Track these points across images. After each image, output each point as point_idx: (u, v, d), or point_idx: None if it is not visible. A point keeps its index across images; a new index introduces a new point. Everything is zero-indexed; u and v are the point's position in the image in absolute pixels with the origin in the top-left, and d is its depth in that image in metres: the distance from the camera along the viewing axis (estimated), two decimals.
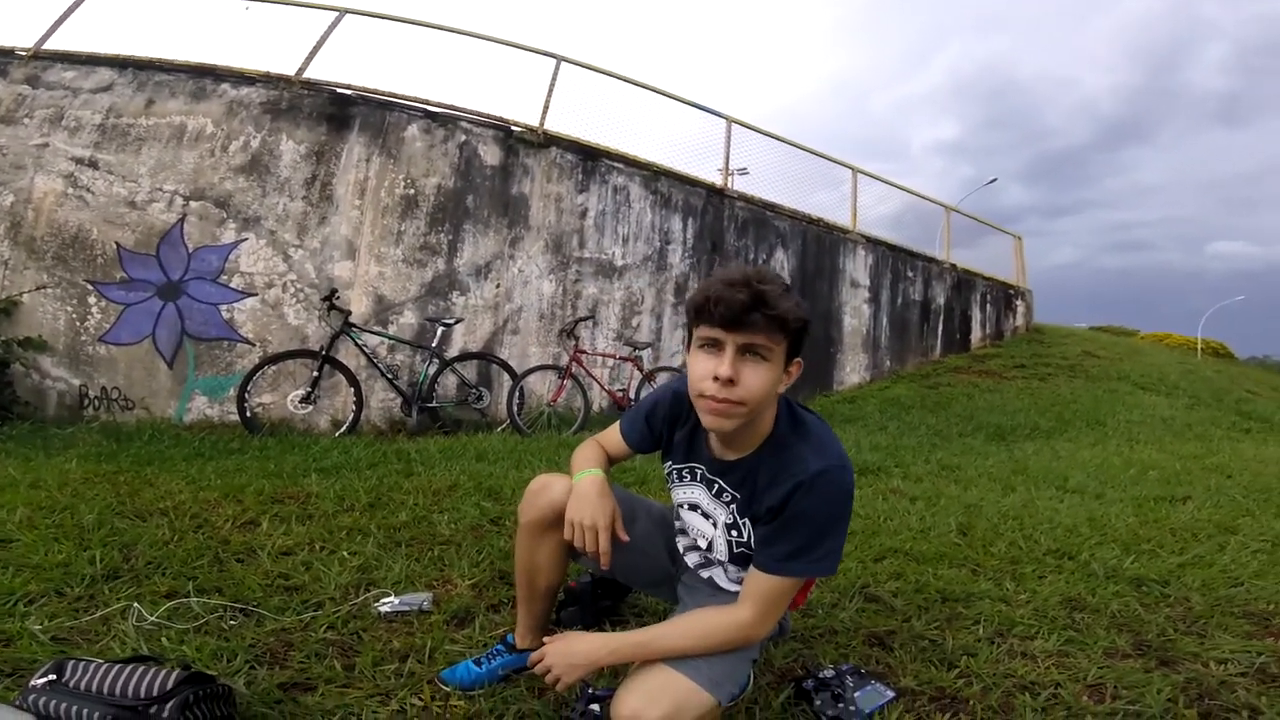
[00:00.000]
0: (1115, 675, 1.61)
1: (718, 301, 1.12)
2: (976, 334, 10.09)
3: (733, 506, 1.33)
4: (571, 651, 1.22)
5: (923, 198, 10.35)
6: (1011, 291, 10.78)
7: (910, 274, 9.29)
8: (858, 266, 8.69)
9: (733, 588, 1.40)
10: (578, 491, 1.36)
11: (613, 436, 1.52)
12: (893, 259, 9.09)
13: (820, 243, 8.37)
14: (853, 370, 8.51)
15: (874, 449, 4.94)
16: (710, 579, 1.45)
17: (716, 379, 1.14)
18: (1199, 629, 1.91)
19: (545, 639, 1.28)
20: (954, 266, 9.89)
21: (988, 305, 10.33)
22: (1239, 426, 7.24)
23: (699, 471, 1.38)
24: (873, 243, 8.89)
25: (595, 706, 1.33)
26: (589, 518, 1.31)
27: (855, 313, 8.59)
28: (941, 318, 9.62)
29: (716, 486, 1.35)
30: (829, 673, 1.54)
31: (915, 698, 1.52)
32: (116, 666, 1.24)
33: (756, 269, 1.17)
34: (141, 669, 1.24)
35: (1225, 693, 1.55)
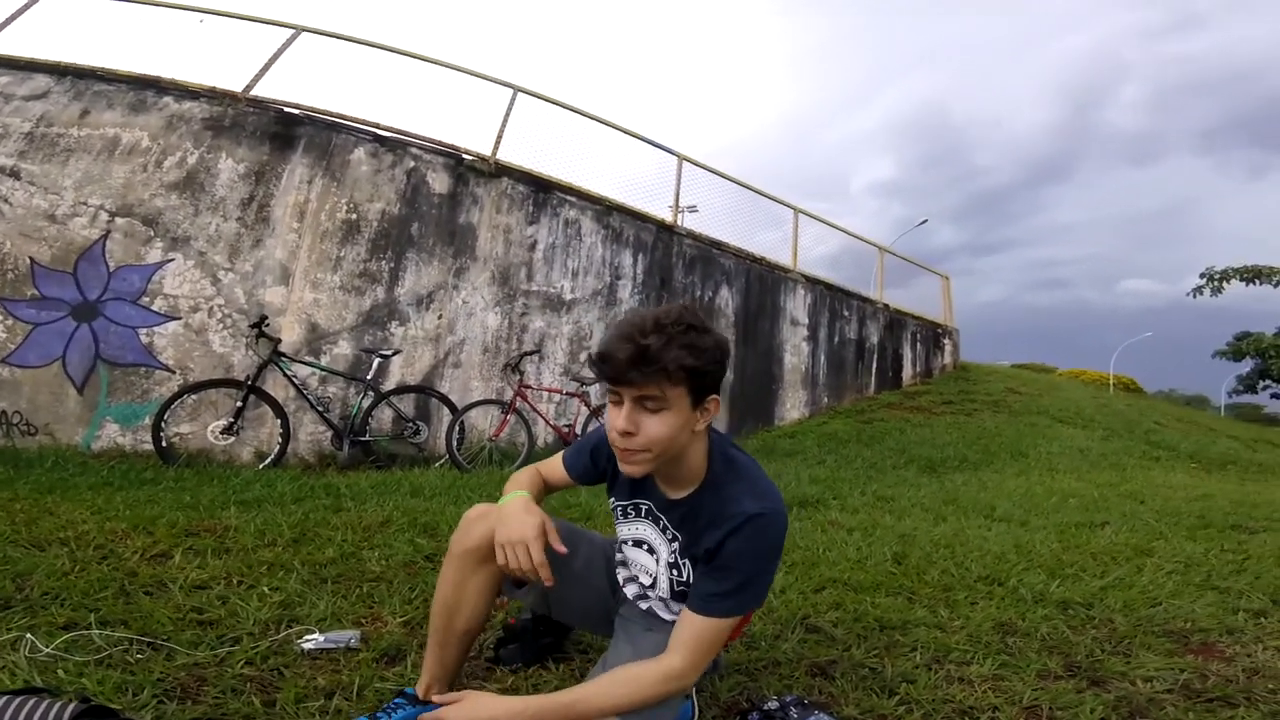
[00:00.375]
0: (1049, 697, 1.66)
1: (604, 359, 1.15)
2: (908, 371, 10.48)
3: (675, 545, 1.33)
4: (478, 718, 1.15)
5: (859, 238, 10.81)
6: (940, 330, 11.28)
7: (846, 313, 9.62)
8: (798, 305, 8.94)
9: (672, 618, 1.38)
10: (502, 514, 1.31)
11: (554, 465, 1.51)
12: (830, 298, 9.41)
13: (763, 281, 8.59)
14: (793, 406, 8.68)
15: (813, 482, 5.02)
16: (650, 610, 1.43)
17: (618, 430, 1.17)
18: (1124, 649, 1.98)
19: (437, 698, 1.21)
20: (887, 306, 10.30)
21: (918, 344, 10.77)
22: (1149, 455, 7.72)
23: (645, 508, 1.38)
24: (812, 282, 9.18)
25: None
26: (517, 533, 1.26)
27: (795, 350, 8.80)
28: (875, 356, 9.97)
29: (662, 523, 1.35)
30: (773, 704, 1.52)
31: None
32: (4, 698, 1.13)
33: (655, 315, 1.16)
34: (34, 700, 1.13)
35: (1155, 710, 1.61)
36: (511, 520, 1.28)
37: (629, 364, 1.12)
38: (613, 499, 1.46)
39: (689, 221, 8.22)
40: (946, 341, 11.37)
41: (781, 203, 9.45)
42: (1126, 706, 1.63)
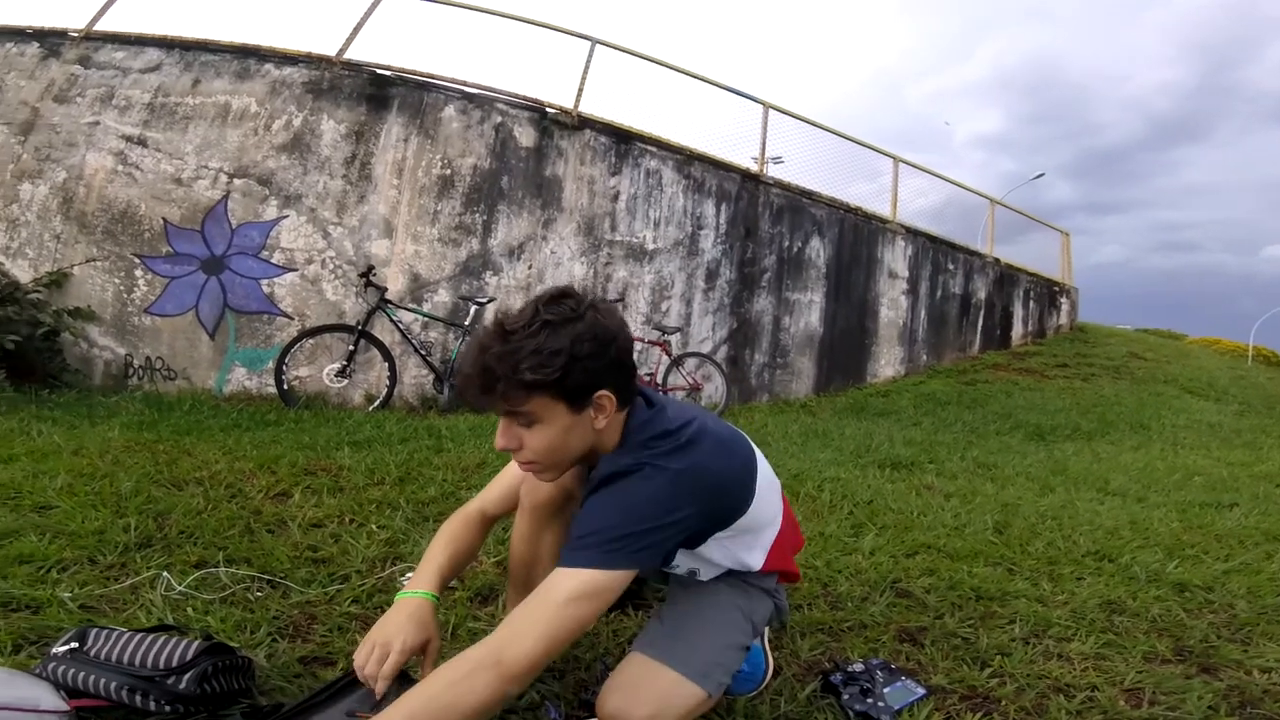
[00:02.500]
0: (1154, 680, 1.56)
1: (459, 385, 1.10)
2: (1018, 330, 9.82)
3: None
4: None
5: (967, 189, 10.06)
6: (1056, 288, 10.46)
7: (951, 266, 9.06)
8: (896, 257, 8.49)
9: (708, 572, 1.34)
10: (392, 611, 1.18)
11: (509, 477, 1.39)
12: (933, 251, 8.87)
13: (858, 232, 8.20)
14: (887, 363, 8.35)
15: (907, 444, 4.85)
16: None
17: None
18: (1243, 636, 1.83)
19: None
20: (997, 261, 9.62)
21: (1030, 302, 10.04)
22: None
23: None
24: (912, 233, 8.68)
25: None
26: (383, 636, 1.12)
27: (892, 304, 8.42)
28: (982, 313, 9.38)
29: None
30: (858, 667, 1.50)
31: (946, 696, 1.47)
32: (139, 636, 1.23)
33: (502, 320, 1.04)
34: (163, 639, 1.22)
35: (1269, 701, 1.49)
36: (391, 623, 1.14)
37: (466, 388, 1.06)
38: None
39: (775, 173, 7.90)
40: (1063, 300, 10.53)
41: (879, 151, 8.90)
42: (1238, 696, 1.51)
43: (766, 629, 1.54)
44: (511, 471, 1.38)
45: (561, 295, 1.06)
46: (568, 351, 1.01)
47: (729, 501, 1.20)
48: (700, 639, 1.23)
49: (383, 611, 1.65)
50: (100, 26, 5.73)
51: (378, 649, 1.09)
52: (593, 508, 1.09)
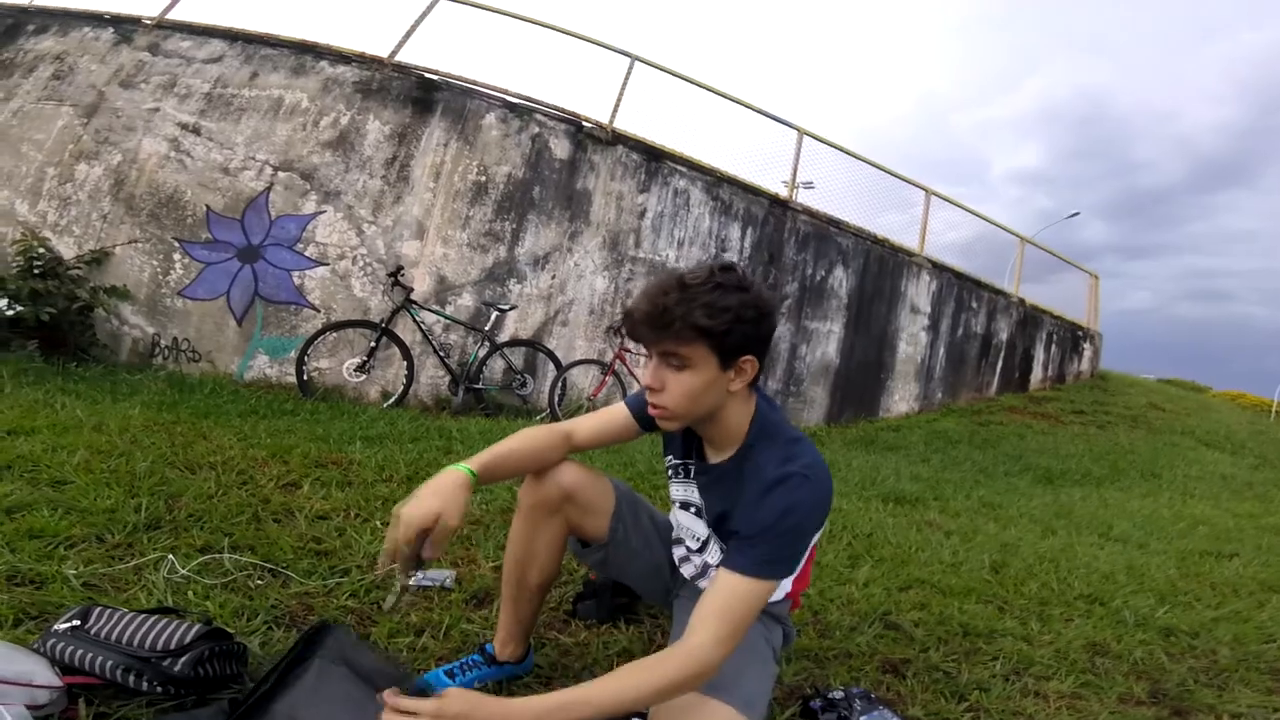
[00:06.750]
0: None
1: (625, 315, 1.17)
2: (1037, 374, 9.72)
3: (705, 515, 1.33)
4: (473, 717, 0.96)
5: (998, 226, 9.96)
6: (1080, 333, 10.35)
7: (974, 304, 9.01)
8: (920, 292, 8.47)
9: None
10: (427, 485, 1.15)
11: (607, 412, 1.42)
12: (958, 287, 8.83)
13: (883, 264, 8.20)
14: (902, 399, 8.31)
15: (914, 479, 4.84)
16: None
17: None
18: (1220, 681, 1.86)
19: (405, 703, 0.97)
20: (1022, 301, 9.54)
21: (1053, 345, 9.94)
22: None
23: (691, 468, 1.36)
24: (938, 268, 8.64)
25: None
26: (411, 513, 1.10)
27: (912, 340, 8.38)
28: (1002, 354, 9.30)
29: (699, 486, 1.34)
30: (838, 694, 1.52)
31: None
32: (140, 617, 1.25)
33: (683, 273, 1.14)
34: (164, 621, 1.25)
35: None
36: (423, 496, 1.12)
37: (641, 322, 1.14)
38: (668, 456, 1.43)
39: (804, 198, 7.94)
40: (1087, 346, 10.41)
41: (911, 183, 8.88)
42: None
43: None
44: (611, 413, 1.41)
45: (731, 267, 1.16)
46: (735, 311, 1.11)
47: (823, 520, 1.26)
48: (743, 669, 1.21)
49: (378, 607, 1.71)
50: (172, 15, 5.98)
51: (399, 529, 1.09)
52: (775, 510, 1.14)
